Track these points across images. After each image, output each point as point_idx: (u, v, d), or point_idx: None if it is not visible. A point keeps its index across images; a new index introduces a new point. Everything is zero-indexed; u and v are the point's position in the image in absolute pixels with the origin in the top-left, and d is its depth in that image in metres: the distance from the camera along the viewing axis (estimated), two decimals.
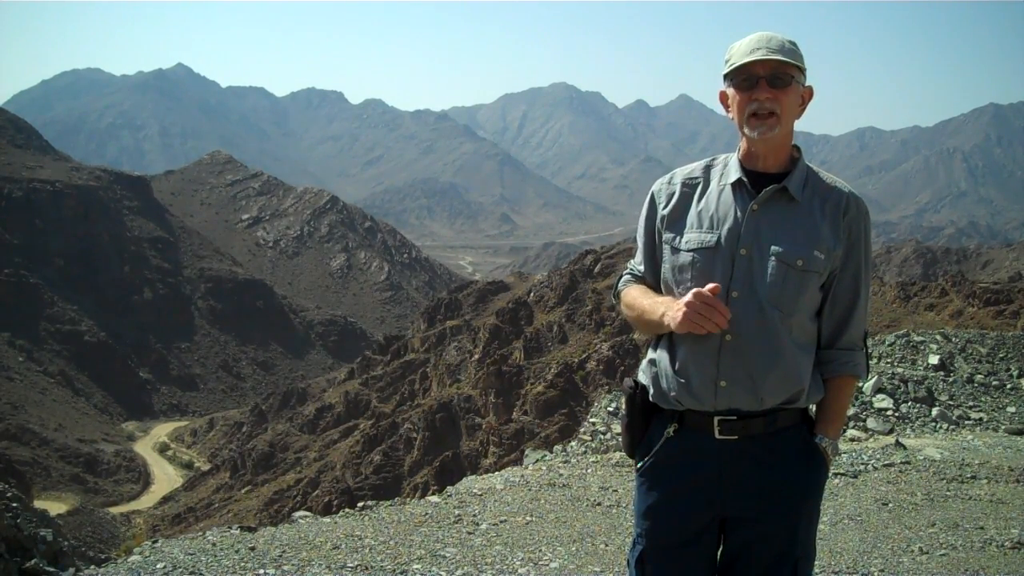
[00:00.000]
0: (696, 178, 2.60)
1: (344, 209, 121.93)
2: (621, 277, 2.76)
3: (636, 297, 2.63)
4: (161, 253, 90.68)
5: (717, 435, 2.45)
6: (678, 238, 2.54)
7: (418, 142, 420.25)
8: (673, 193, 2.60)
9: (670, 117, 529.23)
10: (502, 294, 64.88)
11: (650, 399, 2.57)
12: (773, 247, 2.43)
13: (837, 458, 2.42)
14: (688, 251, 2.50)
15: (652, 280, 2.65)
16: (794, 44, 2.45)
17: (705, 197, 2.55)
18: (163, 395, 78.29)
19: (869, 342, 2.50)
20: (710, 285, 2.39)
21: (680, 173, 2.65)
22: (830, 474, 2.64)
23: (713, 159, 2.64)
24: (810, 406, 2.55)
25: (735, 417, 2.43)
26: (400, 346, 62.86)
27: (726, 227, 2.47)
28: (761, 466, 2.45)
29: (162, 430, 72.26)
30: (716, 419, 2.44)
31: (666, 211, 2.59)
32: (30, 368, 68.91)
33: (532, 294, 56.79)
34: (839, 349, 2.52)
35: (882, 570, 5.15)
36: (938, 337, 13.18)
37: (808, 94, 2.52)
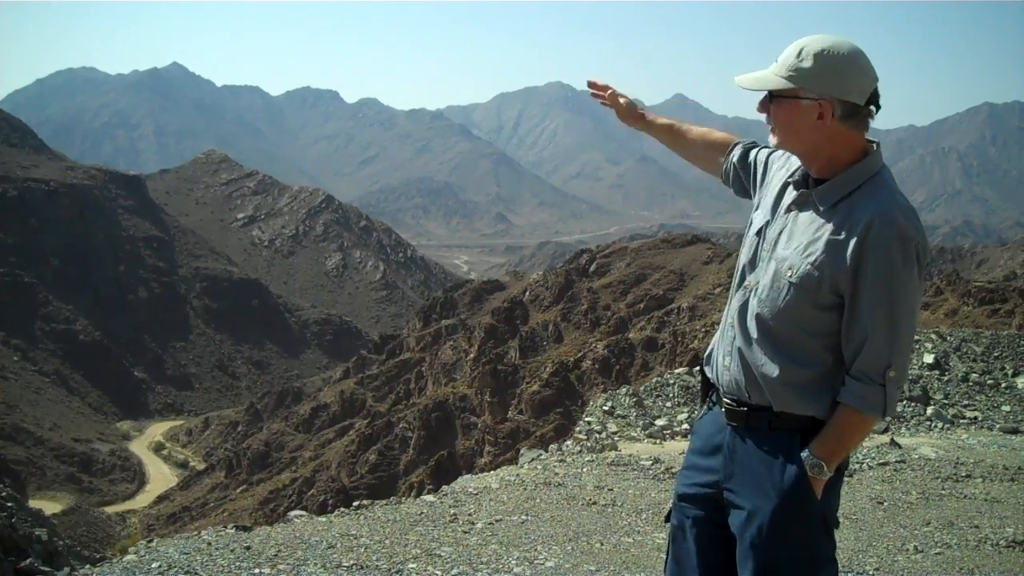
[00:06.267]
0: (795, 168, 2.64)
1: (339, 208, 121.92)
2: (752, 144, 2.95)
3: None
4: (156, 252, 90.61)
5: (725, 418, 2.59)
6: (752, 211, 2.69)
7: (413, 141, 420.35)
8: (777, 166, 2.70)
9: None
10: (497, 293, 64.90)
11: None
12: (778, 250, 2.48)
13: (823, 477, 2.32)
14: (748, 227, 2.66)
15: (742, 159, 2.87)
16: (808, 56, 2.37)
17: (776, 185, 2.64)
18: (158, 394, 78.23)
19: None
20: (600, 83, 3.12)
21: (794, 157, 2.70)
22: (815, 495, 2.55)
23: None
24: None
25: (738, 404, 2.55)
26: (395, 345, 62.88)
27: (764, 219, 2.59)
28: (750, 456, 2.51)
29: (157, 429, 72.21)
30: (725, 400, 2.58)
31: (761, 179, 2.74)
32: (25, 367, 68.84)
33: (527, 293, 56.78)
34: (849, 375, 2.43)
35: (877, 569, 5.16)
36: (933, 336, 13.21)
37: (826, 107, 2.38)
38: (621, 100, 3.11)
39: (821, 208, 2.43)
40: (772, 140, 2.53)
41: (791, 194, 2.54)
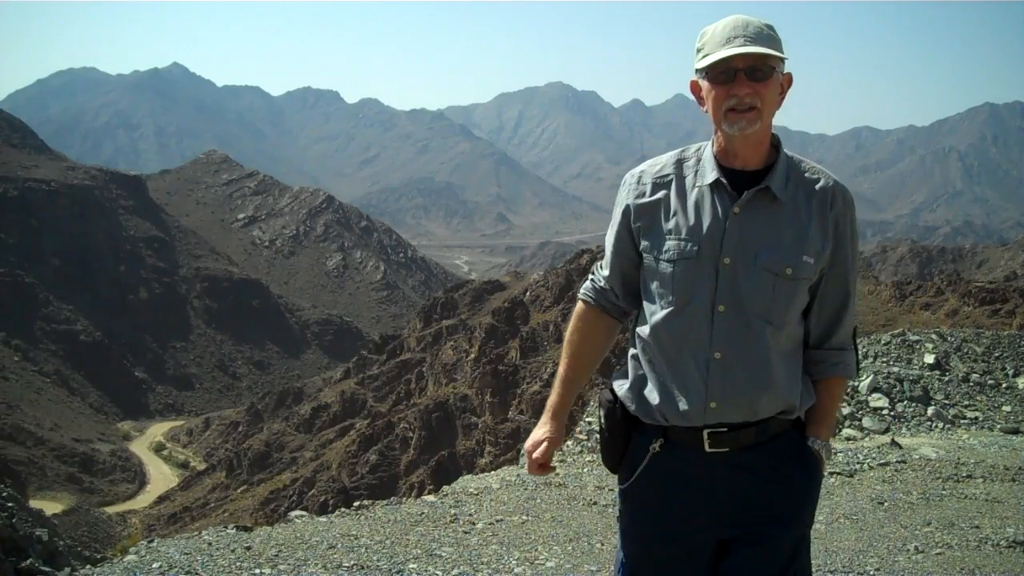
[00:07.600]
0: (667, 176, 2.38)
1: (340, 208, 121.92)
2: (585, 282, 2.56)
3: (565, 354, 2.49)
4: (157, 252, 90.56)
5: (707, 448, 2.28)
6: (656, 248, 2.33)
7: (414, 141, 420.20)
8: (644, 194, 2.38)
9: (666, 116, 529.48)
10: (498, 293, 64.87)
11: (631, 412, 2.38)
12: (759, 256, 2.24)
13: (831, 459, 2.23)
14: (667, 261, 2.29)
15: (620, 290, 2.47)
16: (771, 28, 2.24)
17: (680, 199, 2.33)
18: (159, 395, 78.20)
19: (863, 342, 2.34)
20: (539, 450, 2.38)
21: (649, 171, 2.41)
22: (824, 475, 2.50)
23: (683, 152, 2.41)
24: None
25: (725, 429, 2.27)
26: (396, 345, 62.86)
27: (706, 234, 2.26)
28: (757, 477, 2.31)
29: (158, 430, 72.19)
30: (706, 432, 2.27)
31: (639, 218, 2.37)
32: (25, 368, 68.77)
33: (528, 293, 56.79)
34: (828, 349, 2.38)
35: (878, 569, 5.16)
36: (934, 336, 13.19)
37: (787, 81, 2.29)
38: (549, 443, 2.44)
39: (780, 197, 2.28)
40: (736, 125, 2.23)
41: (722, 197, 2.29)
